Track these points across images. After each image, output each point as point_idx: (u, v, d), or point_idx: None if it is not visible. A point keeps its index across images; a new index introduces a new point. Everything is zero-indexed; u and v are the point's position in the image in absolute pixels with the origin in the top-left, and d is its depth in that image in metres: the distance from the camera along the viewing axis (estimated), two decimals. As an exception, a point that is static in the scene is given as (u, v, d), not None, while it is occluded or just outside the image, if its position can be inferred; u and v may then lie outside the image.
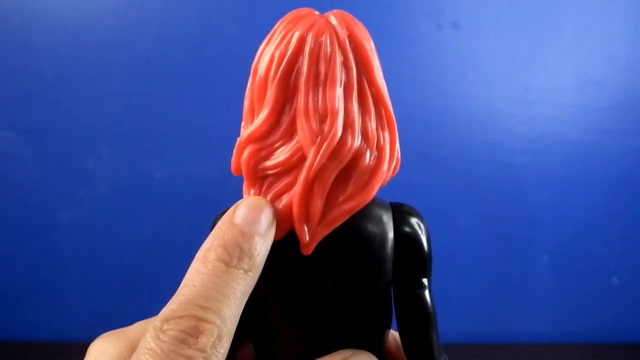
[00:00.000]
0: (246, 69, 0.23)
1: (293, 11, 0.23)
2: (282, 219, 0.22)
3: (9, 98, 0.62)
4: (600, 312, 0.69)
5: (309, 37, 0.22)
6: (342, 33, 0.22)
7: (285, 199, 0.22)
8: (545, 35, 0.63)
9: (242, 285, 0.19)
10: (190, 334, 0.18)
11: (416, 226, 0.23)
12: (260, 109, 0.22)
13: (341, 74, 0.22)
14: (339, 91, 0.22)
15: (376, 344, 0.24)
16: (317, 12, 0.23)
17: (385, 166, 0.22)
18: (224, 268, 0.19)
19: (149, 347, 0.18)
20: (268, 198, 0.22)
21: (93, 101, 0.62)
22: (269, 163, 0.22)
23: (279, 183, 0.22)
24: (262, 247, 0.20)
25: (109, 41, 0.61)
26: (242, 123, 0.23)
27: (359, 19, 0.23)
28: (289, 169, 0.22)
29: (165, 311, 0.19)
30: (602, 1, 0.62)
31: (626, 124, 0.64)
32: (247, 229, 0.20)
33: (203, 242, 0.22)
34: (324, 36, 0.22)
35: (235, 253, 0.20)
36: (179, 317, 0.18)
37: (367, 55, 0.22)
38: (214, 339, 0.18)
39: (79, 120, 0.62)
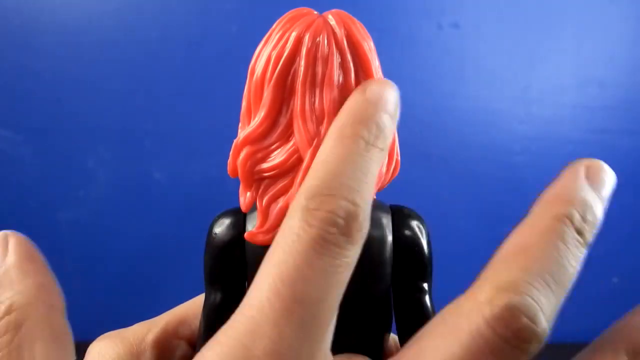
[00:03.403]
0: (246, 69, 0.23)
1: (291, 11, 0.23)
2: (278, 222, 0.21)
3: (9, 98, 0.62)
4: (600, 312, 0.68)
5: (306, 38, 0.22)
6: (340, 33, 0.22)
7: (281, 202, 0.21)
8: (546, 35, 0.62)
9: (378, 165, 0.18)
10: (341, 216, 0.16)
11: (416, 229, 0.23)
12: (256, 110, 0.22)
13: (339, 75, 0.22)
14: (336, 93, 0.21)
15: (375, 349, 0.23)
16: (315, 12, 0.23)
17: (383, 168, 0.22)
18: (364, 146, 0.18)
19: (296, 232, 0.16)
20: (264, 201, 0.22)
21: (93, 101, 0.62)
22: (265, 165, 0.22)
23: (275, 186, 0.22)
24: (393, 127, 0.19)
25: (109, 41, 0.61)
26: (240, 124, 0.23)
27: (359, 19, 0.23)
28: (285, 172, 0.21)
29: (308, 186, 0.17)
30: (603, 2, 0.62)
31: (626, 124, 0.64)
32: (381, 107, 0.19)
33: (204, 240, 0.22)
34: (321, 36, 0.22)
35: (373, 131, 0.18)
36: (326, 196, 0.16)
37: (366, 55, 0.22)
38: (360, 224, 0.16)
39: (79, 120, 0.62)
